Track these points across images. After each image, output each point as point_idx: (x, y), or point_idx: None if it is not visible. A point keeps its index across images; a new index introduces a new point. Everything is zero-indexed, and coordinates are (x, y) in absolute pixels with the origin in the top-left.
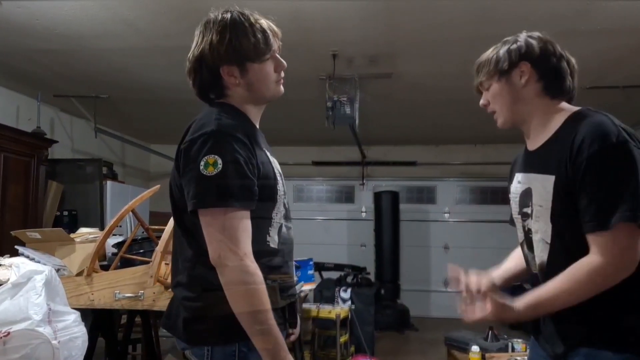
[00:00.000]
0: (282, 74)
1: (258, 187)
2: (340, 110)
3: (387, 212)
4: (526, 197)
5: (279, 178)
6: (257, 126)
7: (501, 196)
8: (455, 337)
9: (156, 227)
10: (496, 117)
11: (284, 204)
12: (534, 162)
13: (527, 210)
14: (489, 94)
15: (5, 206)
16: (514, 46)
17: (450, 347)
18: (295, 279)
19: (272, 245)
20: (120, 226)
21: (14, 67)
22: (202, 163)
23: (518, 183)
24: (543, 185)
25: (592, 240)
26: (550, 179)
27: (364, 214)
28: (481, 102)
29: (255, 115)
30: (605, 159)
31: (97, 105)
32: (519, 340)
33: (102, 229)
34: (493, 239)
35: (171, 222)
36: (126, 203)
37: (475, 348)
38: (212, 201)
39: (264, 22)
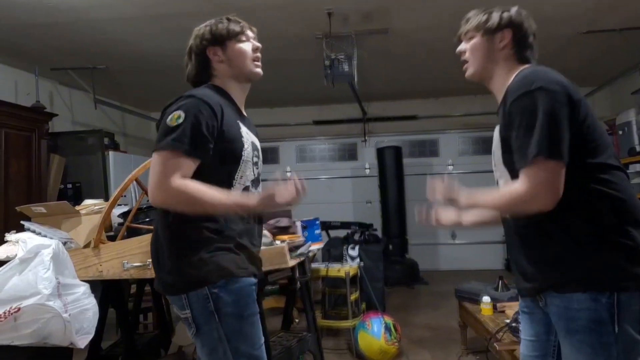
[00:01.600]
0: (259, 55)
1: (220, 148)
2: (338, 68)
3: (390, 168)
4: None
5: (247, 145)
6: (242, 107)
7: None
8: (466, 289)
9: None
10: (467, 67)
11: (253, 171)
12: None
13: (494, 161)
14: (468, 45)
15: (8, 182)
16: (506, 14)
17: (461, 299)
18: (303, 239)
19: None
20: (125, 196)
21: (9, 42)
22: (169, 117)
23: (496, 133)
24: (496, 135)
25: (520, 173)
26: (497, 128)
27: (367, 171)
28: (459, 48)
29: (238, 94)
30: (523, 104)
31: (95, 77)
32: None
33: (106, 199)
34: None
35: None
36: (129, 172)
37: (486, 299)
38: (163, 145)
39: (237, 18)
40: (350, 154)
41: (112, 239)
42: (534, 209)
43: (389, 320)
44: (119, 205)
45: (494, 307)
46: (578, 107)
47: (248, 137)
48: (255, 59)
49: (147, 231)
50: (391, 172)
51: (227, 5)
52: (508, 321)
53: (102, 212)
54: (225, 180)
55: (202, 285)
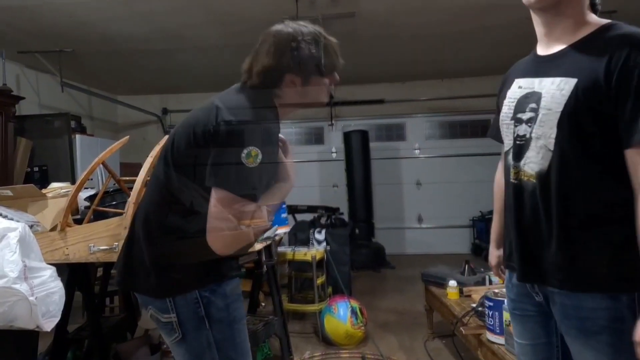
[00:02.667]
0: (333, 87)
1: None
2: None
3: (357, 152)
4: (525, 101)
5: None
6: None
7: (470, 130)
8: (432, 273)
9: (127, 178)
10: None
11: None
12: (548, 67)
13: (522, 115)
14: None
15: None
16: None
17: (427, 283)
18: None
19: None
20: (92, 179)
21: None
22: (245, 151)
23: (518, 88)
24: (559, 88)
25: (629, 152)
26: (570, 81)
27: (334, 155)
28: None
29: (285, 117)
30: None
31: (62, 60)
32: None
33: (73, 183)
34: (464, 173)
35: (142, 173)
36: (96, 156)
37: (452, 283)
38: (242, 191)
39: (335, 43)
40: (316, 137)
41: (78, 222)
42: None
43: (355, 304)
44: (85, 188)
45: (460, 292)
46: None
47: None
48: (329, 93)
49: (114, 214)
50: (358, 156)
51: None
52: (474, 305)
53: (69, 196)
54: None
55: (192, 289)
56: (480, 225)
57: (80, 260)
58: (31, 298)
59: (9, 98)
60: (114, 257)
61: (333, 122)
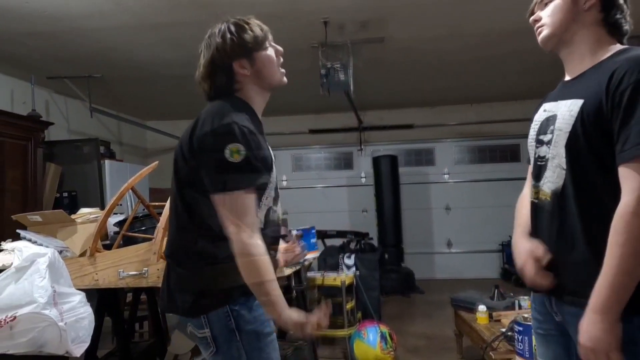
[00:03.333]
0: (281, 60)
1: None
2: (334, 77)
3: (386, 176)
4: (547, 123)
5: (273, 166)
6: (260, 116)
7: (499, 154)
8: (462, 298)
9: (156, 203)
10: (541, 30)
11: (275, 189)
12: (567, 91)
13: (544, 137)
14: (547, 10)
15: (4, 191)
16: None
17: (457, 308)
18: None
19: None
20: (121, 204)
21: (5, 51)
22: (227, 151)
23: (544, 112)
24: (569, 109)
25: (623, 173)
26: (578, 103)
27: (363, 180)
28: (532, 17)
29: (260, 107)
30: None
31: (91, 85)
32: (525, 297)
33: (102, 208)
34: (493, 197)
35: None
36: (125, 181)
37: (482, 307)
38: (237, 185)
39: (255, 20)
40: (346, 162)
41: (108, 247)
42: None
43: (384, 329)
44: (114, 214)
45: (490, 316)
46: None
47: (272, 154)
48: (279, 65)
49: (143, 240)
50: (387, 181)
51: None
52: (504, 330)
53: (98, 221)
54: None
55: (223, 304)
56: (510, 250)
57: (109, 285)
58: (61, 323)
59: (38, 124)
60: (143, 283)
61: (362, 147)
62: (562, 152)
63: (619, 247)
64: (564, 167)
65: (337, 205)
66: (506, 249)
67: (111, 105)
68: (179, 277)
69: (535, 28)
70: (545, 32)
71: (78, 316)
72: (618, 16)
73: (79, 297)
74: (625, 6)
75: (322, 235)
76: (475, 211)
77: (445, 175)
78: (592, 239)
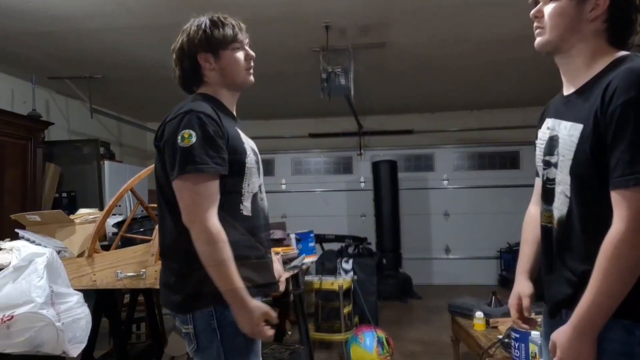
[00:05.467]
0: (252, 64)
1: (227, 160)
2: (335, 81)
3: (385, 182)
4: (551, 144)
5: (249, 152)
6: (234, 112)
7: (499, 161)
8: (459, 304)
9: (155, 205)
10: (539, 33)
11: (259, 176)
12: (565, 108)
13: (550, 158)
14: (549, 8)
15: (3, 190)
16: None
17: (454, 314)
18: (297, 251)
19: (245, 213)
20: (120, 205)
21: (6, 50)
22: (179, 137)
23: (547, 129)
24: (569, 134)
25: (616, 200)
26: (578, 128)
27: (362, 184)
28: (533, 11)
29: (229, 101)
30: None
31: (92, 86)
32: None
33: (101, 209)
34: (492, 204)
35: None
36: (124, 182)
37: (479, 314)
38: (188, 169)
39: (232, 20)
40: (345, 167)
41: (106, 248)
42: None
43: (381, 334)
44: (113, 214)
45: (487, 323)
46: None
47: (248, 142)
48: (248, 68)
49: (141, 241)
50: (386, 186)
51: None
52: (500, 337)
53: (97, 222)
54: (234, 191)
55: (208, 304)
56: (508, 256)
57: (107, 286)
58: (58, 324)
59: (39, 123)
60: (140, 284)
61: (362, 152)
62: (567, 179)
63: (604, 271)
64: (568, 194)
65: (336, 210)
66: (504, 256)
67: (111, 106)
68: (168, 274)
69: (534, 25)
70: (542, 37)
71: (75, 316)
72: (624, 29)
73: (76, 298)
74: (635, 17)
75: (321, 239)
76: (474, 218)
77: (445, 182)
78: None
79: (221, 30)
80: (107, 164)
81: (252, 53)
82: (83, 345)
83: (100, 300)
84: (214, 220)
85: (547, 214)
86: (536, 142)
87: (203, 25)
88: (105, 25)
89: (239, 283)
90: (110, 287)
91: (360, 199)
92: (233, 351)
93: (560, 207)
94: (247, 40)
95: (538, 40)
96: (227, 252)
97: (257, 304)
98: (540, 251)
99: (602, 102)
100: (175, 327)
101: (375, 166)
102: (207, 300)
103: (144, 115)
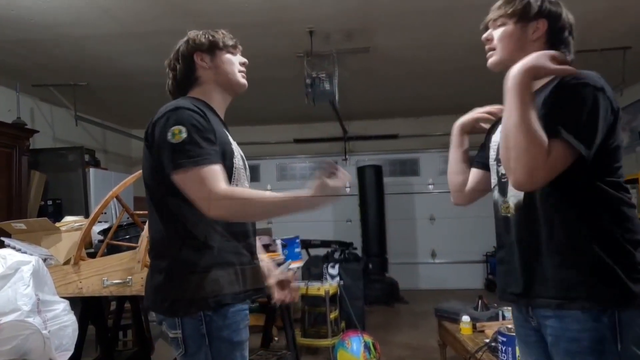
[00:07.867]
0: (245, 69)
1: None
2: (319, 86)
3: (371, 187)
4: None
5: (237, 154)
6: (222, 117)
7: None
8: (446, 308)
9: (141, 212)
10: (491, 54)
11: (248, 180)
12: None
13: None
14: (498, 32)
15: None
16: (545, 3)
17: (440, 319)
18: (283, 257)
19: None
20: (105, 213)
21: None
22: (169, 134)
23: (500, 132)
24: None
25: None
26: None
27: (348, 189)
28: (485, 35)
29: (219, 105)
30: (584, 92)
31: (76, 93)
32: (509, 308)
33: (87, 216)
34: (478, 208)
35: None
36: (110, 189)
37: (465, 318)
38: (186, 163)
39: (230, 35)
40: (330, 172)
41: (92, 255)
42: (525, 173)
43: (368, 339)
44: (99, 222)
45: (474, 327)
46: (617, 122)
47: (235, 146)
48: (242, 71)
49: (127, 248)
50: (371, 191)
51: (208, 24)
52: (487, 341)
53: (82, 229)
54: None
55: (198, 309)
56: (494, 260)
57: (93, 293)
58: (44, 331)
59: (23, 131)
60: (127, 291)
61: (347, 156)
62: None
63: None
64: None
65: (322, 215)
66: (490, 260)
67: (96, 114)
68: (156, 274)
69: (486, 48)
70: (494, 57)
71: (62, 324)
72: (562, 49)
73: (62, 305)
74: (570, 38)
75: (306, 244)
76: (459, 222)
77: (430, 186)
78: (556, 243)
79: (219, 35)
80: (92, 171)
81: (244, 60)
82: (70, 353)
83: (87, 308)
84: (223, 186)
85: (504, 205)
86: (489, 144)
87: (203, 32)
88: (89, 32)
89: (292, 197)
90: (96, 294)
91: (345, 204)
92: (221, 357)
93: (516, 193)
94: (240, 51)
95: (490, 60)
96: (256, 193)
97: (314, 184)
98: (498, 244)
99: (549, 94)
100: (162, 333)
101: (361, 171)
102: (197, 305)
103: (128, 123)
